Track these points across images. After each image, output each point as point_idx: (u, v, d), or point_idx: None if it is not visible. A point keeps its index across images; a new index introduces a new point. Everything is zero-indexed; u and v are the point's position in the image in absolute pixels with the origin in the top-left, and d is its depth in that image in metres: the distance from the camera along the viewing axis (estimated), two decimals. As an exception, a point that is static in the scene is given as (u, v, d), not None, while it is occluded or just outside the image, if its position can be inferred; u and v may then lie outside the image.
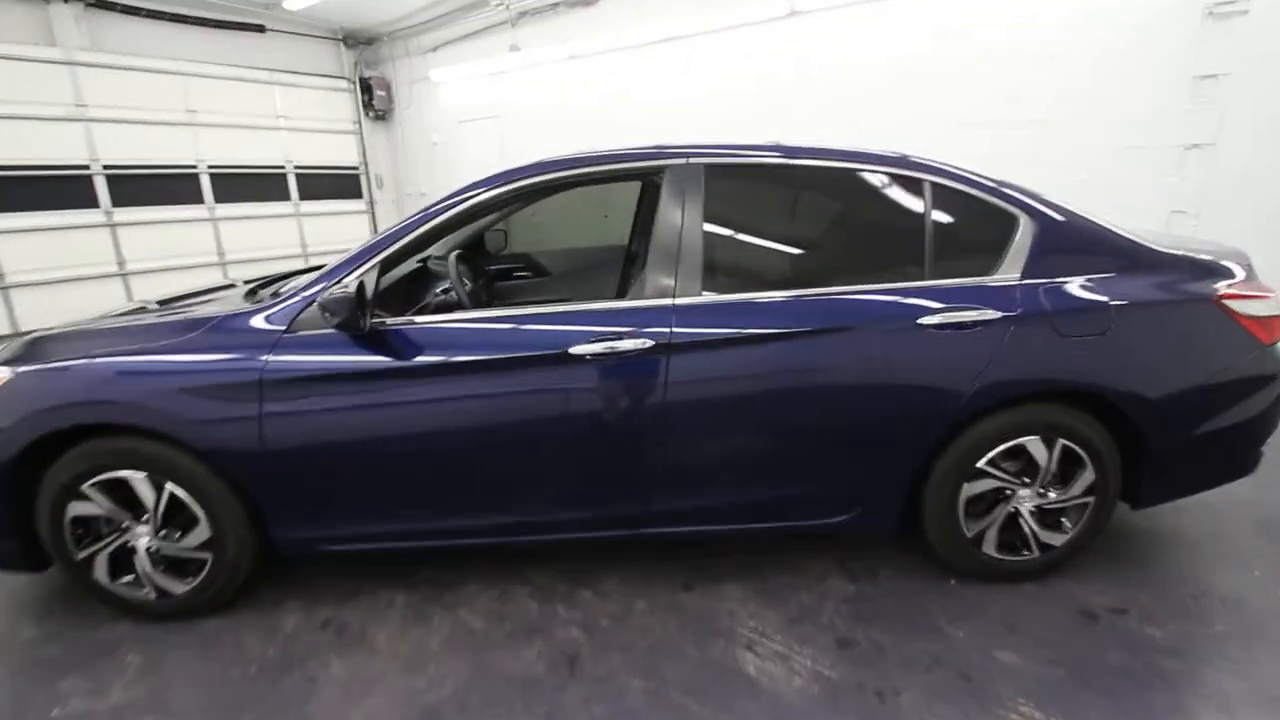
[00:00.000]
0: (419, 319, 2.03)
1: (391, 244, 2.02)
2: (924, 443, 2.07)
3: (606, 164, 2.14)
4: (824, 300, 2.01)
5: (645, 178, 2.38)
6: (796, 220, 2.25)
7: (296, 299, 2.00)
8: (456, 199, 2.07)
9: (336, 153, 8.43)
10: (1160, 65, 4.29)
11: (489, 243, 3.64)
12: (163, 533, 2.06)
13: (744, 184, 2.18)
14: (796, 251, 2.21)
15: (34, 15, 6.03)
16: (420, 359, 1.95)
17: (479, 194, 2.08)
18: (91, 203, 6.38)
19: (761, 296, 2.03)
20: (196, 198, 7.17)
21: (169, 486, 2.00)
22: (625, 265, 3.52)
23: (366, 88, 8.46)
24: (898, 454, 2.10)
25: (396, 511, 2.11)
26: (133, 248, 6.72)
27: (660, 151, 2.12)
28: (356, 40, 8.40)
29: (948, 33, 4.93)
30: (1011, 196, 2.11)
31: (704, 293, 2.00)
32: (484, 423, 1.99)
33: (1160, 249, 2.13)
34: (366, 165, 8.73)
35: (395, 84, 8.58)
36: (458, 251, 2.68)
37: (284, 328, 1.96)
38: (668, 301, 1.98)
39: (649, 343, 1.93)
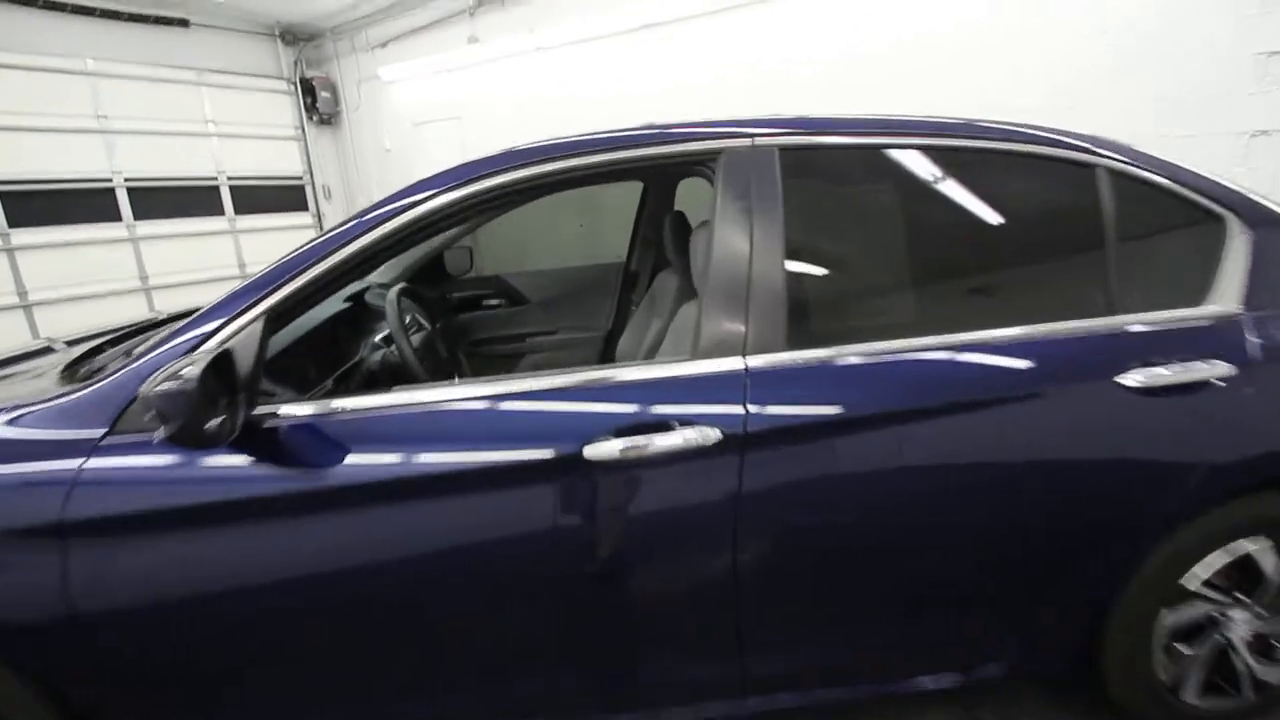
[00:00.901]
0: (336, 403, 1.25)
1: (281, 283, 1.25)
2: (1119, 556, 1.38)
3: (615, 150, 1.37)
4: (983, 358, 1.30)
5: (681, 169, 1.54)
6: (924, 229, 1.49)
7: (121, 376, 1.22)
8: (391, 209, 1.31)
9: (277, 161, 7.51)
10: (1219, 43, 3.74)
11: (449, 263, 2.87)
12: (-78, 761, 1.26)
13: (839, 176, 1.44)
14: (928, 278, 1.45)
15: (-99, 7, 5.08)
16: (337, 474, 1.18)
17: (427, 200, 1.32)
18: (-20, 224, 5.42)
19: (882, 350, 1.29)
20: (113, 215, 6.20)
21: (-79, 694, 1.21)
22: (623, 290, 2.80)
23: (309, 89, 7.54)
24: (1083, 574, 1.40)
25: (301, 705, 1.34)
26: (36, 274, 5.72)
27: (707, 130, 1.36)
28: (295, 36, 7.51)
29: (964, 10, 4.33)
30: (1214, 189, 1.46)
31: (790, 347, 1.27)
32: (441, 570, 1.23)
33: None
34: (312, 174, 7.83)
35: (341, 84, 7.70)
36: (401, 285, 1.88)
37: (102, 431, 1.18)
38: (736, 364, 1.25)
39: (714, 434, 1.19)
